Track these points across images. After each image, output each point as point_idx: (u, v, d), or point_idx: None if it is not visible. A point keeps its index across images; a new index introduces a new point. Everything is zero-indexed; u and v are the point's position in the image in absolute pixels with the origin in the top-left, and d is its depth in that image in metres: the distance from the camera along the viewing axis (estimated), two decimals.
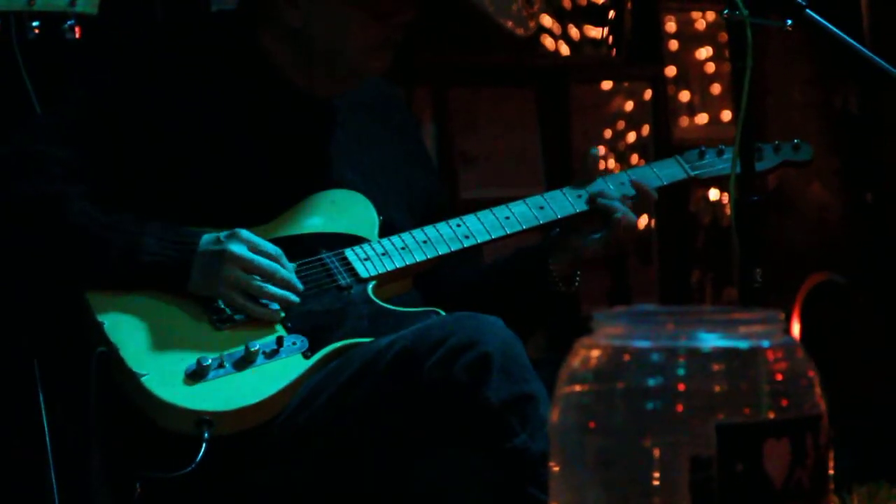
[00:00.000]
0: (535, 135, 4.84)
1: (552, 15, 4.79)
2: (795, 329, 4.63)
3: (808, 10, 2.48)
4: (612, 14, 4.92)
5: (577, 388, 1.53)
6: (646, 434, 1.48)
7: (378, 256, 2.59)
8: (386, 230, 2.63)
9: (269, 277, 2.46)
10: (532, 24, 4.73)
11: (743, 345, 1.50)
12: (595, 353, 1.53)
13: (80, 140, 2.51)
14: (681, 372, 1.48)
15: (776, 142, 2.86)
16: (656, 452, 1.48)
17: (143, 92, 2.56)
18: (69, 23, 2.82)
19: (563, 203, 2.70)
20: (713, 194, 5.19)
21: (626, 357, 1.51)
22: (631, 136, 5.07)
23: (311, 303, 2.51)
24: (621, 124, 5.06)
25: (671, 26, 5.17)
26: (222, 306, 2.47)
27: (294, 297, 2.48)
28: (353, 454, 2.39)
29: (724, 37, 5.23)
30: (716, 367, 1.49)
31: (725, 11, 2.42)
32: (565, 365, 1.55)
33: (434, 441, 2.34)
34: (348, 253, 2.58)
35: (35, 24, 2.82)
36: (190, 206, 2.54)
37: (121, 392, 2.39)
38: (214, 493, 2.41)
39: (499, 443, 2.28)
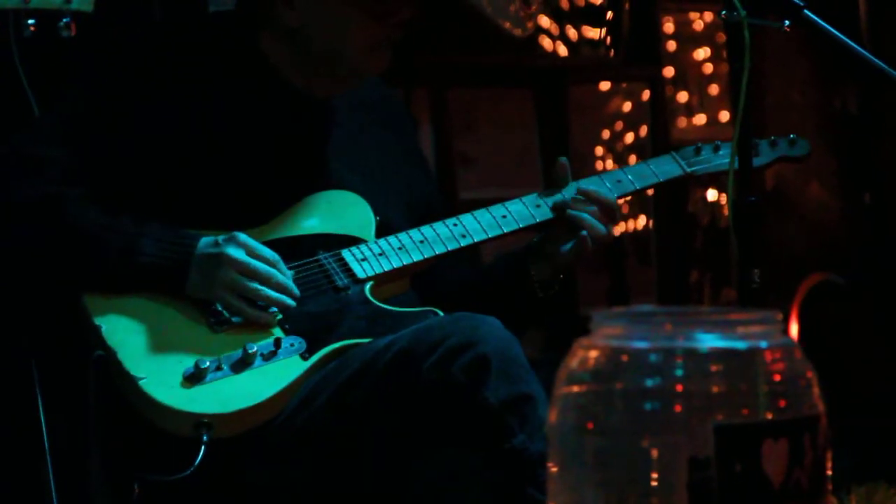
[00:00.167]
0: (533, 135, 4.84)
1: (550, 16, 4.79)
2: (794, 330, 4.63)
3: (806, 11, 2.48)
4: (610, 15, 4.92)
5: (576, 388, 1.53)
6: (644, 435, 1.48)
7: (375, 257, 2.59)
8: (383, 231, 2.63)
9: (266, 281, 2.46)
10: (530, 24, 4.73)
11: (741, 345, 1.50)
12: (593, 353, 1.53)
13: (77, 141, 2.51)
14: (679, 372, 1.48)
15: (772, 137, 2.86)
16: (654, 453, 1.48)
17: (141, 93, 2.56)
18: (65, 20, 2.82)
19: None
20: (711, 195, 5.20)
21: (625, 357, 1.50)
22: (629, 137, 5.07)
23: (309, 304, 2.50)
24: (619, 125, 5.06)
25: (669, 27, 5.17)
26: (220, 309, 2.47)
27: (290, 301, 2.47)
28: (352, 455, 2.39)
29: (722, 37, 5.23)
30: (714, 368, 1.49)
31: (723, 12, 2.42)
32: (563, 365, 1.55)
33: (432, 441, 2.34)
34: (345, 254, 2.58)
35: (31, 21, 2.82)
36: (188, 207, 2.54)
37: (119, 395, 2.39)
38: (213, 494, 2.41)
39: (497, 443, 2.27)
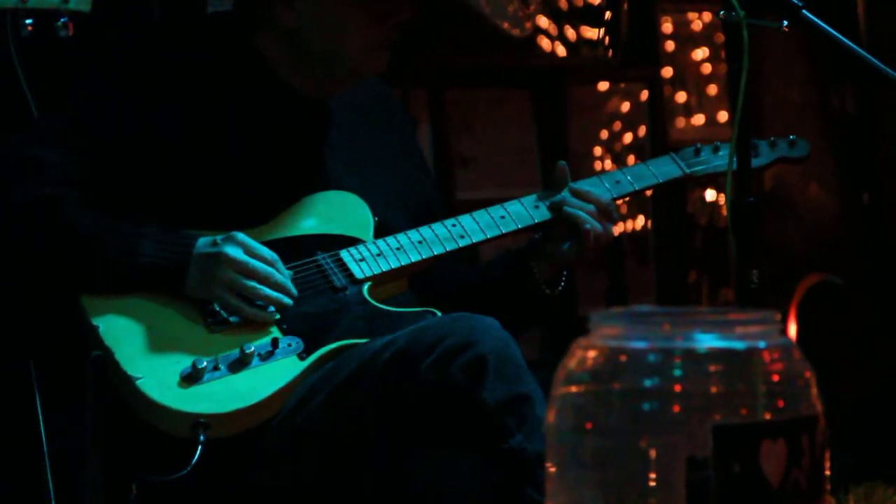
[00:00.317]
0: (531, 135, 4.84)
1: (548, 16, 4.79)
2: (792, 330, 4.63)
3: (804, 11, 2.47)
4: (608, 15, 4.92)
5: (574, 388, 1.53)
6: (642, 435, 1.48)
7: (373, 257, 2.59)
8: (381, 231, 2.63)
9: (264, 280, 2.46)
10: (528, 25, 4.72)
11: (739, 346, 1.50)
12: (591, 353, 1.53)
13: (75, 143, 2.51)
14: (677, 373, 1.48)
15: (772, 138, 2.86)
16: (653, 453, 1.47)
17: (139, 93, 2.56)
18: (62, 20, 2.82)
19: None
20: (710, 195, 5.19)
21: (623, 358, 1.50)
22: (627, 137, 5.07)
23: (307, 304, 2.50)
24: (618, 125, 5.06)
25: (667, 27, 5.17)
26: (217, 309, 2.47)
27: (288, 301, 2.47)
28: (350, 455, 2.39)
29: (720, 38, 5.23)
30: (712, 368, 1.49)
31: (722, 12, 2.42)
32: (562, 365, 1.55)
33: (430, 442, 2.34)
34: (343, 254, 2.58)
35: (28, 21, 2.82)
36: (186, 207, 2.53)
37: (117, 395, 2.39)
38: (211, 494, 2.41)
39: (495, 443, 2.27)
